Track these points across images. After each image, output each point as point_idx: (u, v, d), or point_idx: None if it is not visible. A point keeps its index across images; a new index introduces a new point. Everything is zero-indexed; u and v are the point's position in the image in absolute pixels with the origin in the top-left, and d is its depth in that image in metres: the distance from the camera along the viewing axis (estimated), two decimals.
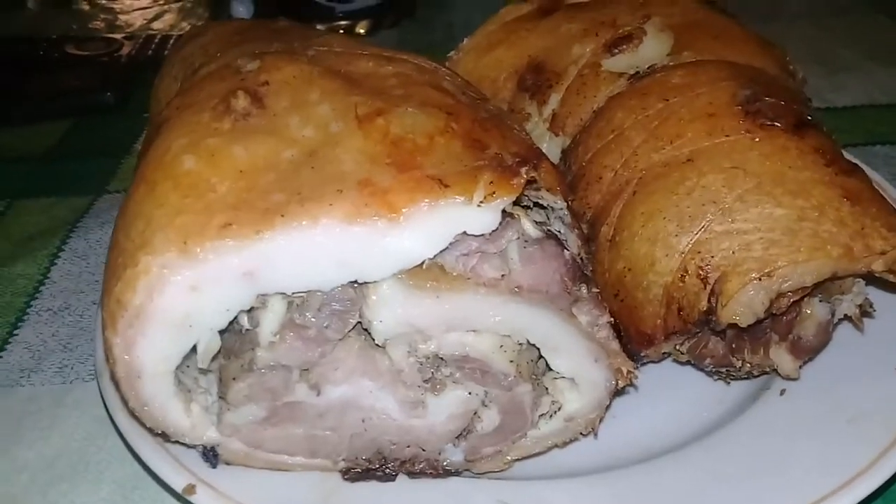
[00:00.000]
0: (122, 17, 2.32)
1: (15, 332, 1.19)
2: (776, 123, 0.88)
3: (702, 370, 0.95)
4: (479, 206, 0.73)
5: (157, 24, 2.26)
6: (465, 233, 0.74)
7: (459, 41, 1.23)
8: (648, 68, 1.00)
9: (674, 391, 0.97)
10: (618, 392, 0.86)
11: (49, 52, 1.92)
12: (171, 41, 1.91)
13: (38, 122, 1.75)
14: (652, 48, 1.03)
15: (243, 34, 1.10)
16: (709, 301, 0.83)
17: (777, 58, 1.06)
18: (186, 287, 0.71)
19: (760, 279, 0.80)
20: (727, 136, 0.88)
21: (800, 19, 2.02)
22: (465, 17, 2.16)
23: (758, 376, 0.95)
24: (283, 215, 0.71)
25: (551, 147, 1.04)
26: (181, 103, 0.87)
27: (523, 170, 0.76)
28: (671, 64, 1.00)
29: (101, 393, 0.93)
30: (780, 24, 1.97)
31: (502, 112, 1.02)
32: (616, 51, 1.03)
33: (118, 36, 2.02)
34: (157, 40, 1.96)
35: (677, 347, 0.90)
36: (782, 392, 0.93)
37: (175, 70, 1.15)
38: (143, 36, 2.01)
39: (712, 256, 0.83)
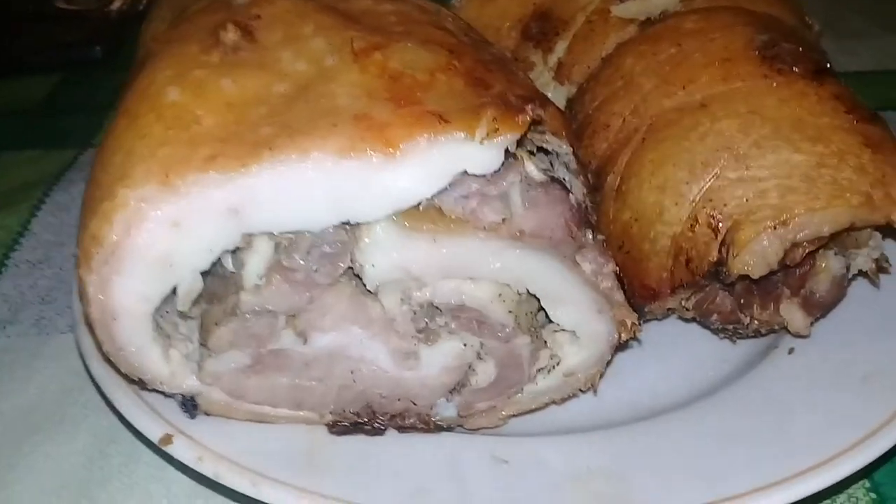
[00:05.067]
0: None
1: None
2: (794, 69, 0.84)
3: (707, 327, 0.92)
4: (481, 142, 0.68)
5: None
6: (465, 172, 0.69)
7: None
8: (660, 15, 0.96)
9: (677, 349, 0.94)
10: (620, 346, 0.82)
11: (38, 5, 1.86)
12: None
13: (26, 76, 1.70)
14: None
15: None
16: (720, 251, 0.79)
17: (793, 8, 1.02)
18: (167, 222, 0.67)
19: (775, 227, 0.76)
20: (743, 80, 0.83)
21: None
22: None
23: (765, 335, 0.91)
24: (270, 148, 0.67)
25: (556, 96, 1.00)
26: (168, 37, 0.82)
27: (529, 107, 0.71)
28: (683, 10, 0.95)
29: (76, 342, 0.89)
30: None
31: (506, 57, 0.98)
32: None
33: None
34: None
35: (683, 303, 0.87)
36: (791, 350, 0.89)
37: (164, 12, 1.10)
38: None
39: (725, 205, 0.79)
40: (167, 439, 0.76)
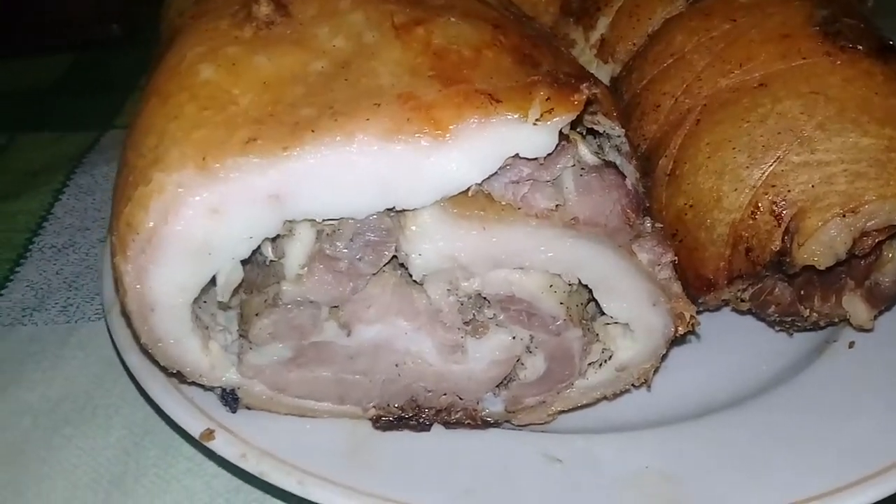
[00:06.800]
0: None
1: (16, 269, 1.12)
2: (858, 46, 0.79)
3: (763, 320, 0.88)
4: (534, 124, 0.64)
5: None
6: (516, 156, 0.66)
7: None
8: None
9: (731, 342, 0.90)
10: (676, 340, 0.78)
11: None
12: None
13: (42, 55, 1.66)
14: None
15: None
16: (783, 240, 0.75)
17: None
18: (205, 209, 0.63)
19: (844, 215, 0.72)
20: (804, 58, 0.79)
21: None
22: None
23: (824, 327, 0.87)
24: (313, 130, 0.63)
25: (599, 75, 0.95)
26: (197, 11, 0.78)
27: (584, 85, 0.67)
28: None
29: (109, 331, 0.86)
30: None
31: (548, 33, 0.94)
32: None
33: None
34: None
35: (739, 294, 0.83)
36: (851, 345, 0.86)
37: None
38: None
39: (789, 190, 0.75)
40: (208, 435, 0.73)
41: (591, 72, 0.96)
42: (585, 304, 0.77)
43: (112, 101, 1.51)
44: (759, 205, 0.76)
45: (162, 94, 0.68)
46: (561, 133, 0.66)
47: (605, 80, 0.96)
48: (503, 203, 0.68)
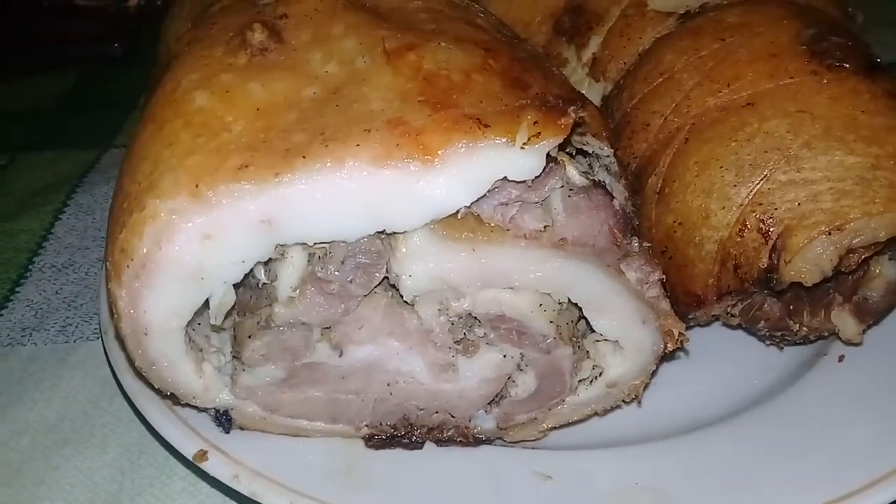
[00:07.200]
0: None
1: (17, 289, 1.13)
2: (845, 65, 0.80)
3: (753, 335, 0.89)
4: (522, 148, 0.65)
5: None
6: (505, 179, 0.67)
7: None
8: (700, 7, 0.92)
9: (722, 357, 0.91)
10: (666, 356, 0.79)
11: (55, 0, 1.84)
12: None
13: (43, 73, 1.68)
14: None
15: None
16: (770, 258, 0.76)
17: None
18: (198, 235, 0.64)
19: (830, 233, 0.73)
20: (791, 77, 0.80)
21: None
22: None
23: (814, 341, 0.88)
24: (304, 157, 0.64)
25: (591, 94, 0.96)
26: (193, 38, 0.80)
27: (571, 109, 0.68)
28: (725, 2, 0.91)
29: (105, 352, 0.87)
30: None
31: (540, 54, 0.95)
32: None
33: None
34: None
35: (729, 309, 0.83)
36: (841, 358, 0.86)
37: (185, 11, 1.08)
38: None
39: (775, 208, 0.76)
40: (202, 455, 0.74)
41: (583, 91, 0.98)
42: (575, 322, 0.78)
43: (113, 121, 1.52)
44: (747, 222, 0.77)
45: (157, 120, 0.70)
46: (549, 155, 0.67)
47: (597, 98, 0.97)
48: (492, 225, 0.69)
